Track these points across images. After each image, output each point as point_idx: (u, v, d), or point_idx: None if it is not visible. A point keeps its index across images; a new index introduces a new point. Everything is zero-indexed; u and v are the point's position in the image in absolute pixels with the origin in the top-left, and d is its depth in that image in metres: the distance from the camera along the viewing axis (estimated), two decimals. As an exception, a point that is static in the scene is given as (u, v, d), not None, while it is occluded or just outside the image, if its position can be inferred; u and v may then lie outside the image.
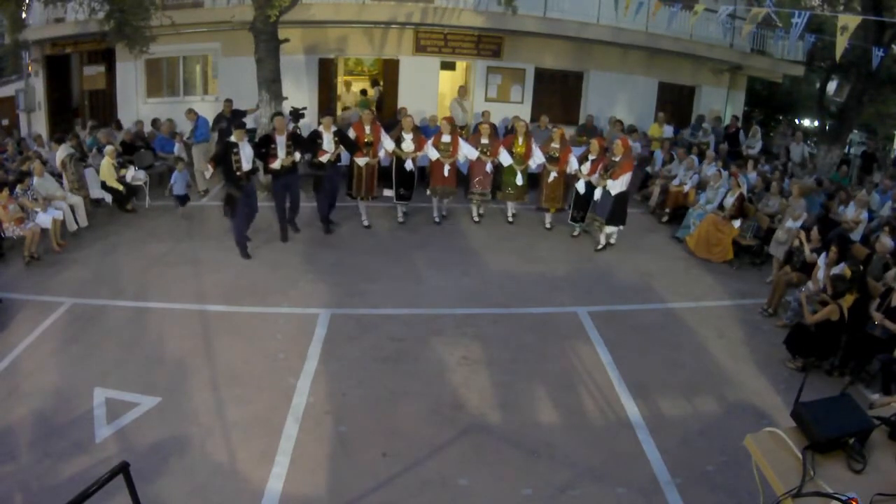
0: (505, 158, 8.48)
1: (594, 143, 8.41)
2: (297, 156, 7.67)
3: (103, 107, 13.68)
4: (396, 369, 5.29)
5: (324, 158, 7.80)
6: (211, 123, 10.44)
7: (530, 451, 4.37)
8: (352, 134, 8.10)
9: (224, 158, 7.07)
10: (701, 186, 9.38)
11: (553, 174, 8.57)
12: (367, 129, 8.11)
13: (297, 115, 11.32)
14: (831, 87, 15.05)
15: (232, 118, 10.46)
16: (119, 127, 11.35)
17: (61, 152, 8.59)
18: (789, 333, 5.77)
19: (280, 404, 4.76)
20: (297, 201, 8.08)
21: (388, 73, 13.44)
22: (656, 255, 8.26)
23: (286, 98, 10.37)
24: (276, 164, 7.49)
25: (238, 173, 7.11)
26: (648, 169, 10.88)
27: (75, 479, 3.85)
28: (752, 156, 11.22)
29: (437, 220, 8.93)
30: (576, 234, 8.71)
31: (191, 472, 4.06)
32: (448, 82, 14.02)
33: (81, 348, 5.46)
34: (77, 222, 8.15)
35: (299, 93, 11.82)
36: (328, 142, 7.81)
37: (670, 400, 5.04)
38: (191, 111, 10.23)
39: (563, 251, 8.13)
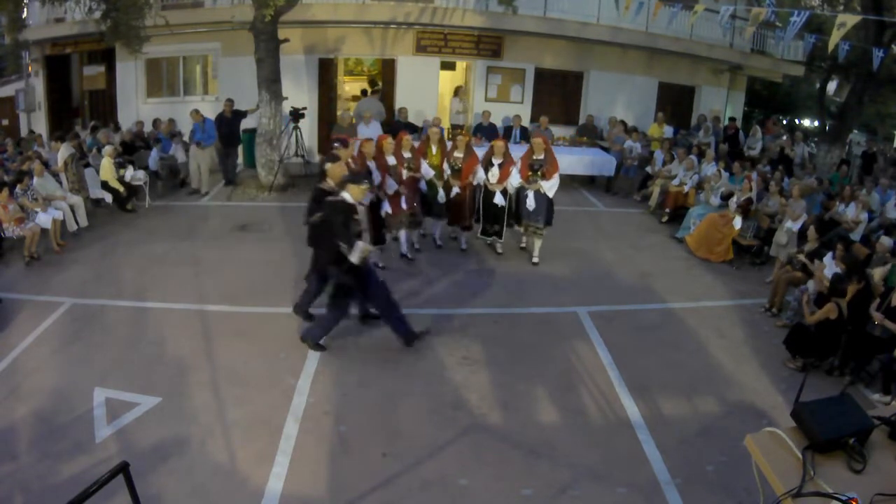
0: (426, 171, 7.15)
1: (497, 144, 7.22)
2: None
3: (103, 107, 13.68)
4: (396, 369, 5.28)
5: None
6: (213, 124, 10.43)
7: (530, 451, 4.37)
8: None
9: None
10: (701, 186, 9.38)
11: (455, 189, 7.25)
12: None
13: (297, 115, 11.28)
14: (831, 87, 15.08)
15: (233, 118, 10.47)
16: (117, 128, 11.35)
17: (63, 152, 8.59)
18: (789, 333, 5.77)
19: (280, 404, 4.75)
20: None
21: (387, 73, 13.44)
22: (656, 255, 8.26)
23: (286, 98, 10.37)
24: None
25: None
26: (648, 169, 10.88)
27: (75, 479, 3.85)
28: (752, 156, 11.22)
29: None
30: (500, 251, 7.68)
31: (191, 471, 4.05)
32: (448, 82, 14.02)
33: (81, 348, 5.45)
34: (77, 222, 8.16)
35: (299, 93, 11.82)
36: None
37: (670, 400, 5.04)
38: (196, 112, 10.21)
39: (562, 251, 8.13)
